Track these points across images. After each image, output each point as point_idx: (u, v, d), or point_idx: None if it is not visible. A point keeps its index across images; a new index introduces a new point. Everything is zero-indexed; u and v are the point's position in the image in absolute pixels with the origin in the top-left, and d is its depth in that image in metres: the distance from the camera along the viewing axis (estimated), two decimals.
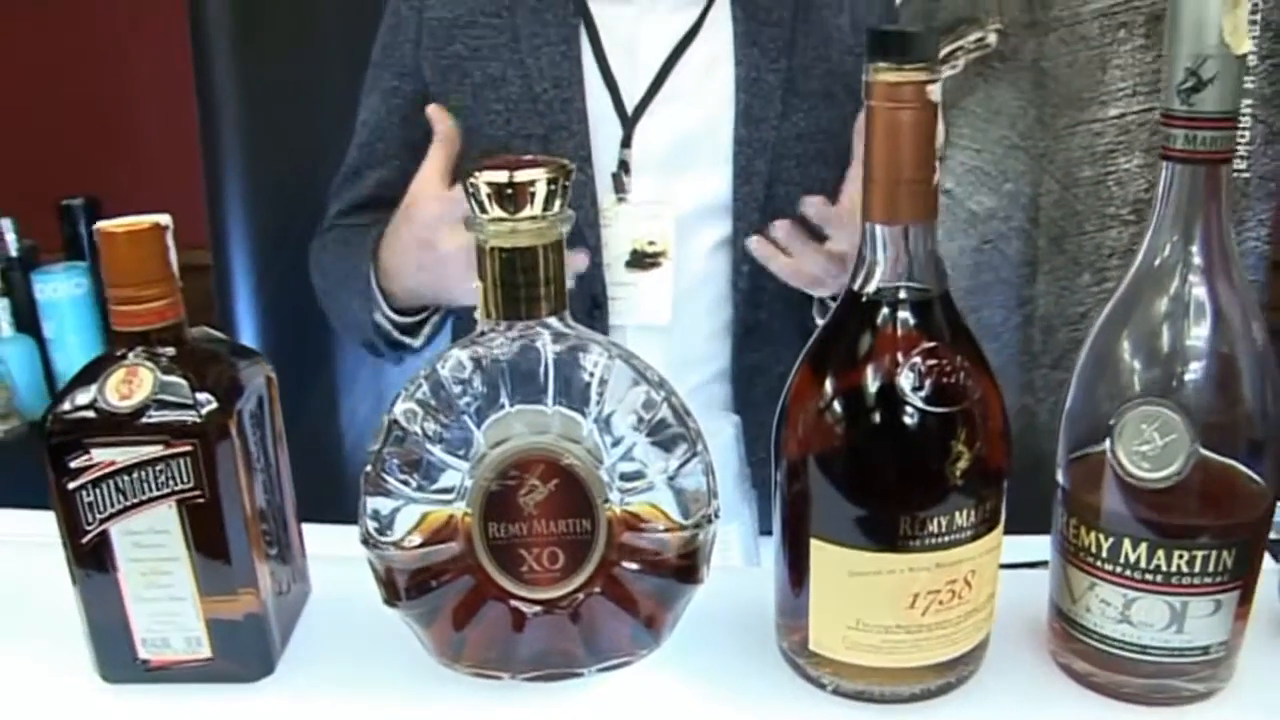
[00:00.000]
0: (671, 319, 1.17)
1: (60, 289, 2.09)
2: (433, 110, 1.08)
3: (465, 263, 1.02)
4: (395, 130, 1.28)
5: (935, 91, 0.56)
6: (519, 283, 0.59)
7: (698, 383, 1.21)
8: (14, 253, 2.14)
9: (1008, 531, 0.63)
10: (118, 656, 0.67)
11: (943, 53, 1.88)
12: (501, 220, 0.58)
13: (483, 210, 0.58)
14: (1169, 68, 0.57)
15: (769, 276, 1.11)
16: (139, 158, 2.43)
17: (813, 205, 1.03)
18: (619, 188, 1.17)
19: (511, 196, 0.57)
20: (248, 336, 2.13)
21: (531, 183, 0.57)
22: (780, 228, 1.04)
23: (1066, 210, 1.93)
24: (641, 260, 1.19)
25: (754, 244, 1.07)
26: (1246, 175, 1.91)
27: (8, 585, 0.77)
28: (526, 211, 0.57)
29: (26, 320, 2.12)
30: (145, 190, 2.41)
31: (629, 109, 1.17)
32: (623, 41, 1.18)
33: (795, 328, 1.16)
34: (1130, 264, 0.61)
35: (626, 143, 1.17)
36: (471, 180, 0.57)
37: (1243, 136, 1.91)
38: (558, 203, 0.58)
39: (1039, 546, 0.66)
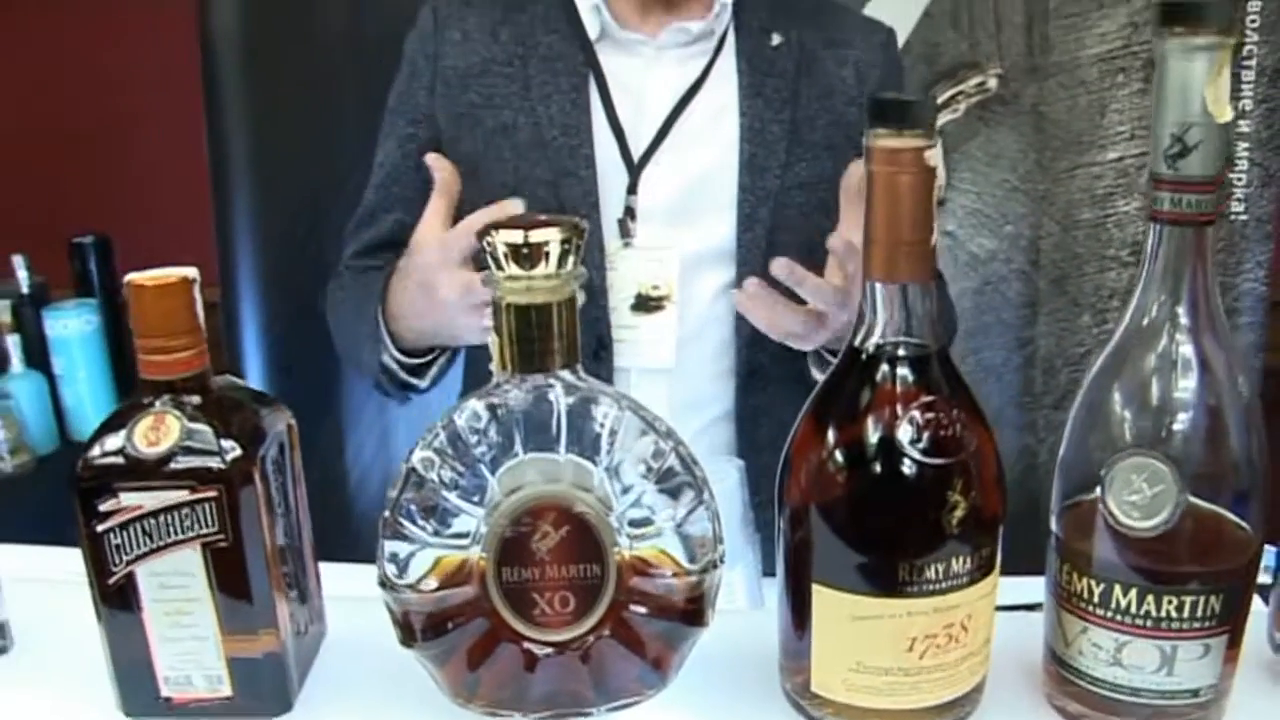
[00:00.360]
0: (675, 362, 1.20)
1: (71, 325, 2.12)
2: (431, 159, 1.11)
3: (464, 306, 1.05)
4: (410, 175, 1.31)
5: (933, 157, 0.58)
6: (533, 337, 0.62)
7: (701, 425, 1.24)
8: (25, 289, 2.17)
9: (1008, 572, 0.65)
10: (141, 693, 0.70)
11: (944, 97, 1.92)
12: (517, 278, 0.60)
13: (499, 268, 0.61)
14: (1155, 134, 0.60)
15: None
16: (149, 195, 2.47)
17: (782, 268, 1.03)
18: (624, 233, 1.20)
19: (527, 255, 0.60)
20: (255, 373, 2.15)
21: (546, 242, 0.60)
22: (751, 284, 1.06)
23: (1066, 252, 1.96)
24: (646, 304, 1.22)
25: (735, 298, 1.09)
26: (1244, 217, 1.94)
27: (32, 622, 0.79)
28: (541, 269, 0.60)
29: (37, 356, 2.15)
30: (155, 228, 2.46)
31: (635, 156, 1.21)
32: (630, 91, 1.22)
33: (798, 372, 1.18)
34: (1120, 319, 0.64)
35: (633, 189, 1.21)
36: (489, 239, 0.60)
37: (1239, 179, 1.94)
38: (571, 261, 0.61)
39: (1038, 587, 0.68)
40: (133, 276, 0.67)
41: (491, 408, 0.63)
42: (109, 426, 0.67)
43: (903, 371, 0.61)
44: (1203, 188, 0.60)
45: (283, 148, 2.08)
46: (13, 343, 2.11)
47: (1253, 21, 1.89)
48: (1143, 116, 1.92)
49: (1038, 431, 1.99)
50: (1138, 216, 1.95)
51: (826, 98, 1.23)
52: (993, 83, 1.93)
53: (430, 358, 1.24)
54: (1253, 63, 1.90)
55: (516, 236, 0.60)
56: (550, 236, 0.60)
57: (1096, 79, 1.92)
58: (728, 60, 1.23)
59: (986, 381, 2.03)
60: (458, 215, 1.29)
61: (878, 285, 0.61)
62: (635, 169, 1.21)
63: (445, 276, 1.06)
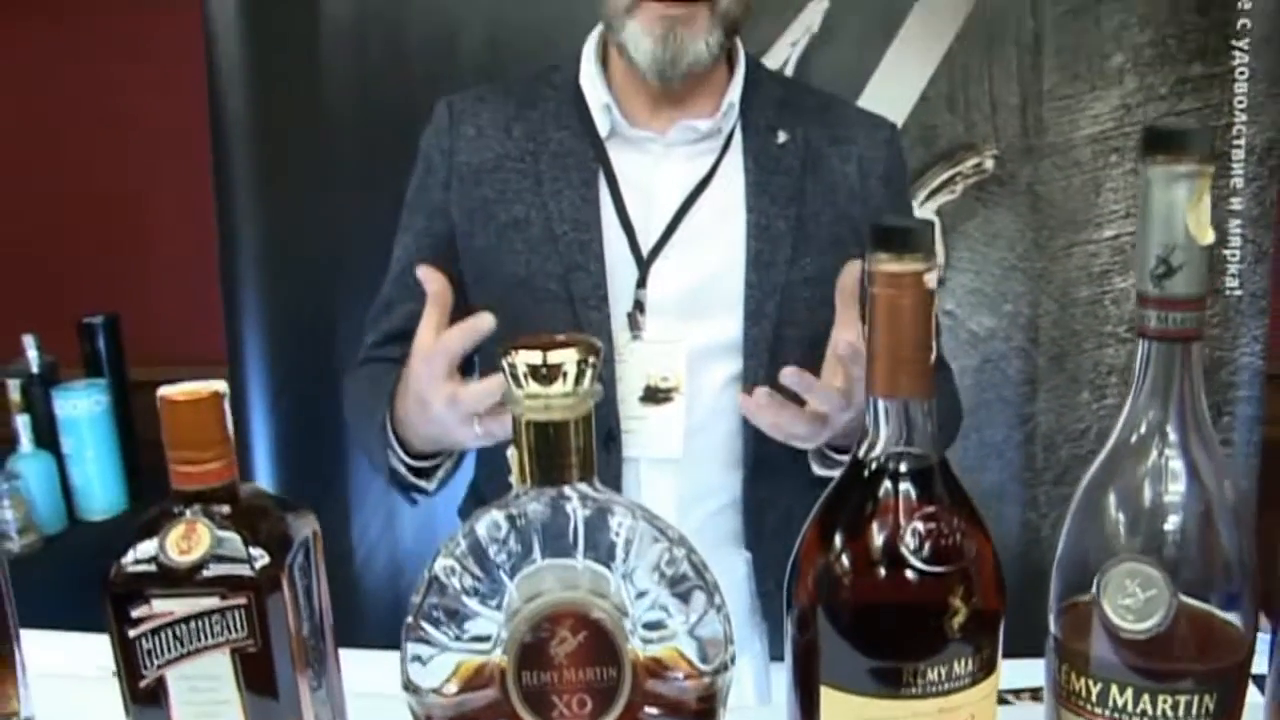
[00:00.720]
0: (683, 452, 1.23)
1: (80, 406, 2.16)
2: (423, 272, 1.13)
3: (455, 418, 1.08)
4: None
5: (932, 279, 0.62)
6: (551, 452, 0.65)
7: (709, 513, 1.27)
8: (35, 369, 2.21)
9: (1013, 653, 0.68)
10: None
11: (941, 179, 1.97)
12: (536, 396, 0.64)
13: (518, 385, 0.64)
14: (1140, 255, 0.64)
15: None
16: (159, 276, 2.52)
17: (791, 376, 1.07)
18: (634, 326, 1.24)
19: (545, 375, 0.63)
20: (262, 453, 2.19)
21: (563, 362, 0.63)
22: (760, 394, 1.09)
23: (1065, 329, 2.00)
24: (655, 395, 1.26)
25: (742, 403, 1.12)
26: (1238, 293, 1.98)
27: (60, 716, 0.82)
28: (559, 388, 0.63)
29: (46, 436, 2.17)
30: (165, 307, 2.51)
31: (644, 251, 1.25)
32: (640, 187, 1.27)
33: (805, 463, 1.22)
34: (1113, 428, 0.67)
35: (642, 283, 1.25)
36: (509, 359, 0.64)
37: (1233, 255, 1.98)
38: (587, 380, 0.64)
39: (1040, 670, 0.71)
40: (164, 390, 0.70)
41: (511, 518, 0.66)
42: (141, 533, 0.70)
43: (905, 484, 0.64)
44: (1188, 306, 0.63)
45: (291, 230, 2.13)
46: (22, 423, 2.14)
47: (1240, 103, 1.94)
48: (1136, 195, 1.95)
49: (1039, 507, 2.02)
50: (1134, 292, 1.98)
51: (831, 194, 1.28)
52: (989, 164, 1.98)
53: (436, 461, 1.26)
54: (1241, 142, 1.95)
55: (535, 357, 0.63)
56: (567, 357, 0.63)
57: (1090, 159, 1.97)
58: (735, 157, 1.27)
59: (988, 458, 2.06)
60: (468, 311, 1.33)
61: (880, 400, 0.64)
62: (644, 263, 1.25)
63: (433, 390, 1.09)
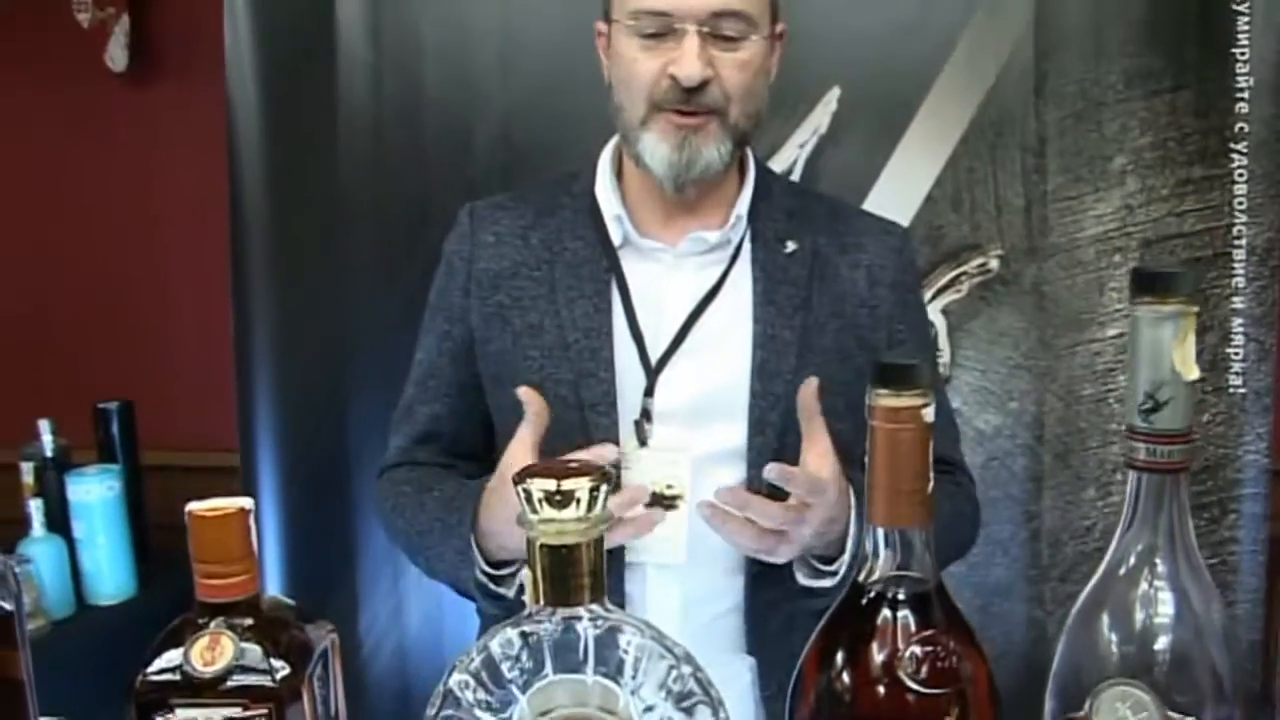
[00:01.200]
0: (688, 557, 1.25)
1: (93, 491, 2.19)
2: (524, 392, 1.20)
3: None
4: (446, 371, 1.40)
5: (929, 414, 0.65)
6: (564, 575, 0.68)
7: (712, 617, 1.29)
8: (49, 453, 2.24)
9: None
10: None
11: (947, 278, 2.02)
12: (550, 521, 0.67)
13: (534, 511, 0.67)
14: (1130, 391, 0.68)
15: None
16: (174, 363, 2.57)
17: (774, 470, 1.13)
18: (640, 434, 1.27)
19: (559, 500, 0.67)
20: (271, 542, 2.21)
21: (576, 489, 0.66)
22: (705, 505, 1.15)
23: (1070, 427, 2.03)
24: (660, 502, 1.29)
25: (701, 510, 1.17)
26: (1243, 390, 2.02)
27: None
28: (571, 513, 0.67)
29: (57, 520, 2.20)
30: (179, 394, 2.56)
31: (653, 360, 1.29)
32: (650, 297, 1.31)
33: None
34: (1106, 554, 0.70)
35: (649, 392, 1.28)
36: (524, 486, 0.67)
37: (1237, 354, 2.02)
38: (599, 505, 0.67)
39: None
40: (193, 506, 0.73)
41: (524, 635, 0.69)
42: (166, 643, 0.73)
43: (903, 608, 0.67)
44: (1175, 439, 0.67)
45: (305, 321, 2.19)
46: (35, 506, 2.17)
47: (1240, 204, 1.99)
48: None
49: (1045, 604, 2.04)
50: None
51: (839, 302, 1.32)
52: (994, 263, 2.02)
53: (513, 569, 1.28)
54: (1242, 242, 2.00)
55: (550, 484, 0.66)
56: (580, 485, 0.66)
57: (1094, 259, 2.02)
58: (743, 268, 1.31)
59: (995, 555, 2.08)
60: (480, 414, 1.37)
61: (878, 529, 0.67)
62: (653, 372, 1.29)
63: None
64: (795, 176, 2.00)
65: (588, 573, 0.68)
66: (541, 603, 0.69)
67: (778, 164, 2.01)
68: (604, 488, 0.67)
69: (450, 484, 1.33)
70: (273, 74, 2.13)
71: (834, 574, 1.20)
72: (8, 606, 0.82)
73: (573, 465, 0.68)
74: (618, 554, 1.28)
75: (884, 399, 0.66)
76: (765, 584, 1.28)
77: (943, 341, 2.03)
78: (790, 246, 1.33)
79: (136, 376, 2.35)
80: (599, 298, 1.31)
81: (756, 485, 1.23)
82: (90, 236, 2.59)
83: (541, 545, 0.68)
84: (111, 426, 2.27)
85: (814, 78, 2.03)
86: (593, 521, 0.67)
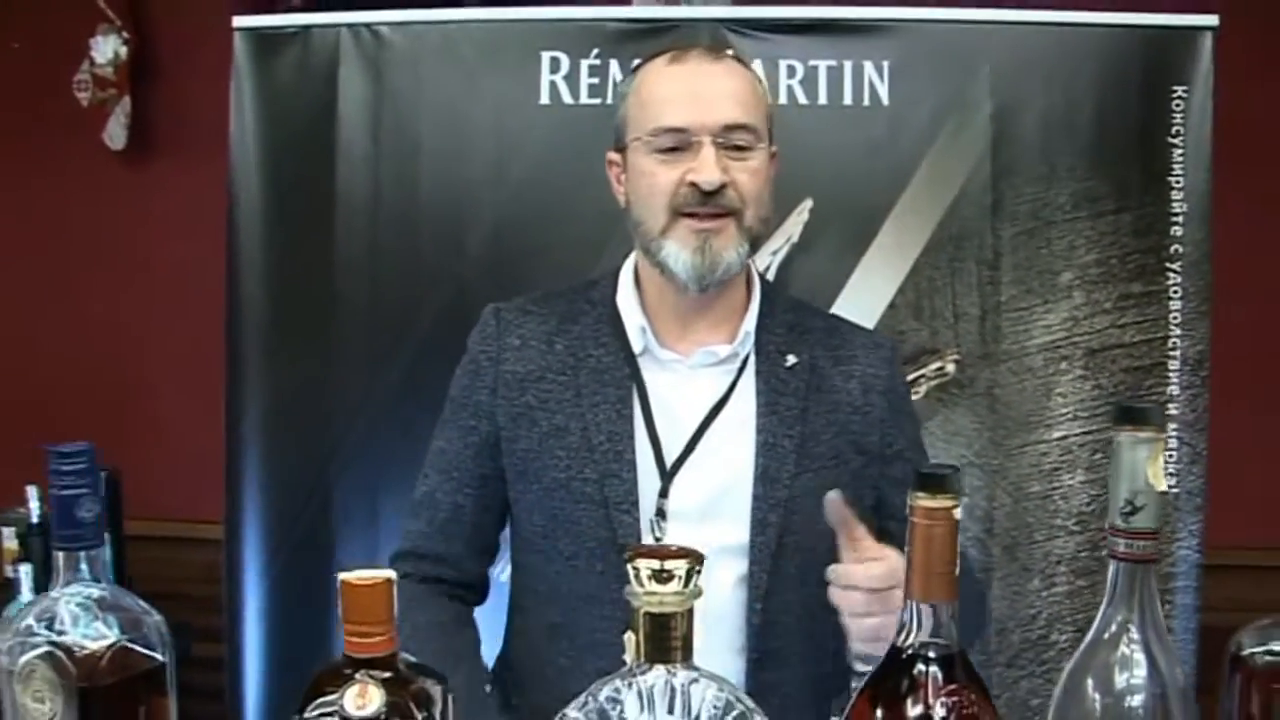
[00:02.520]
0: (704, 646, 1.42)
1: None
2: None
3: None
4: (470, 464, 1.55)
5: (958, 513, 0.86)
6: (662, 637, 0.86)
7: None
8: (35, 519, 2.35)
9: None
10: None
11: (906, 380, 2.24)
12: (653, 593, 0.86)
13: (640, 585, 0.86)
14: (1112, 497, 0.88)
15: (782, 611, 1.41)
16: (162, 435, 2.70)
17: (833, 503, 1.31)
18: (656, 531, 1.45)
19: (663, 577, 0.85)
20: (253, 611, 2.36)
21: (677, 569, 0.85)
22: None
23: (1018, 521, 2.26)
24: None
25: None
26: (1176, 491, 2.25)
27: None
28: (672, 588, 0.86)
29: (43, 585, 2.31)
30: (165, 465, 2.69)
31: (669, 463, 1.47)
32: (666, 404, 1.49)
33: (804, 654, 1.42)
34: (1090, 629, 0.90)
35: (664, 493, 1.46)
36: (634, 564, 0.86)
37: (1170, 457, 2.26)
38: (693, 582, 0.86)
39: None
40: (345, 575, 0.91)
41: (629, 685, 0.88)
42: (319, 689, 0.90)
43: (934, 667, 0.87)
44: (1148, 536, 0.88)
45: (295, 402, 2.35)
46: (24, 571, 2.28)
47: (1175, 318, 2.25)
48: (1083, 400, 2.25)
49: (993, 688, 2.24)
50: (1082, 489, 2.25)
51: (834, 411, 1.51)
52: (951, 367, 2.26)
53: None
54: (1177, 354, 2.25)
55: (655, 564, 0.85)
56: (680, 565, 0.85)
57: (1042, 365, 2.26)
58: (749, 379, 1.50)
59: None
60: (499, 506, 1.56)
61: (915, 603, 0.87)
62: (668, 475, 1.47)
63: None
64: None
65: (680, 636, 0.87)
66: (641, 659, 0.88)
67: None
68: (698, 568, 0.86)
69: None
70: (275, 162, 2.31)
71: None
72: (160, 657, 0.98)
73: (673, 549, 0.87)
74: None
75: (922, 500, 0.86)
76: (767, 669, 1.46)
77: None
78: (790, 360, 1.51)
79: (124, 447, 2.48)
80: (621, 404, 1.48)
81: (757, 580, 1.42)
82: (83, 308, 2.72)
83: (645, 613, 0.86)
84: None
85: (788, 189, 2.24)
86: (687, 595, 0.86)
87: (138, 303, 2.70)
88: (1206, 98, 2.22)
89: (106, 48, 2.50)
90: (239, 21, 2.26)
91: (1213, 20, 2.20)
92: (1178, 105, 2.22)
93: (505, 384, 1.53)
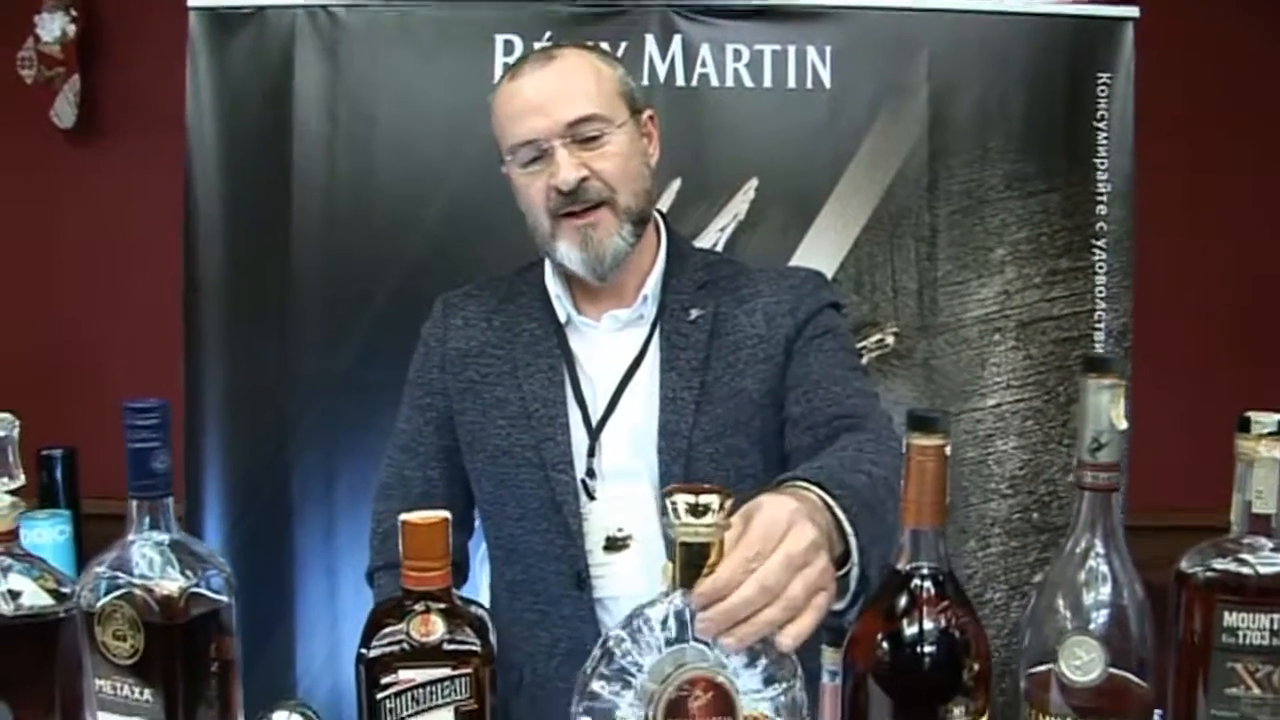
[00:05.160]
0: (646, 587, 1.54)
1: (45, 534, 2.36)
2: None
3: None
4: (432, 438, 1.72)
5: (948, 450, 1.02)
6: (696, 564, 1.02)
7: None
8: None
9: None
10: None
11: None
12: (689, 525, 1.01)
13: (676, 516, 1.01)
14: (1080, 436, 1.05)
15: None
16: (119, 414, 2.76)
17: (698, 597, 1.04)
18: (588, 489, 1.61)
19: (697, 510, 1.01)
20: None
21: (710, 502, 1.01)
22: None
23: (954, 486, 2.44)
24: (614, 544, 1.63)
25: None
26: None
27: None
28: (706, 520, 1.01)
29: None
30: (122, 444, 2.73)
31: (594, 424, 1.63)
32: (589, 369, 1.65)
33: None
34: (1059, 551, 1.07)
35: (592, 452, 1.62)
36: (671, 499, 1.01)
37: None
38: (723, 514, 1.01)
39: None
40: (406, 516, 1.04)
41: (665, 606, 1.03)
42: (382, 622, 1.04)
43: (927, 584, 1.03)
44: (1111, 469, 1.05)
45: (251, 384, 2.46)
46: None
47: (1100, 292, 2.45)
48: (1015, 369, 2.44)
49: None
50: (1014, 454, 2.45)
51: (735, 351, 1.62)
52: (890, 339, 2.44)
53: None
54: (1102, 325, 2.45)
55: (691, 499, 1.01)
56: (712, 499, 1.01)
57: (977, 337, 2.45)
58: (657, 339, 1.64)
59: None
60: (464, 479, 1.71)
61: (909, 529, 1.03)
62: (594, 434, 1.63)
63: None
64: None
65: (713, 564, 1.02)
66: (676, 585, 1.03)
67: (699, 245, 2.38)
68: (729, 502, 1.02)
69: None
70: (231, 141, 2.42)
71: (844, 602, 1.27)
72: (226, 599, 1.11)
73: (706, 486, 1.02)
74: (585, 590, 1.61)
75: (916, 439, 1.02)
76: None
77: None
78: (694, 314, 1.64)
79: (80, 426, 2.56)
80: (552, 372, 1.64)
81: None
82: (34, 288, 2.78)
83: (681, 543, 1.02)
84: (55, 472, 2.45)
85: (734, 170, 2.44)
86: (719, 527, 1.02)
87: (89, 282, 2.76)
88: (1128, 84, 2.42)
89: (53, 25, 2.56)
90: (194, 1, 2.36)
91: (1134, 11, 2.41)
92: (1102, 91, 2.43)
93: (451, 361, 1.69)
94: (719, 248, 2.40)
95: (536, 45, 2.36)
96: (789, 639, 1.03)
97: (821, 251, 2.43)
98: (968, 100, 2.43)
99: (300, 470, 2.45)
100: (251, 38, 2.39)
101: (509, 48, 2.37)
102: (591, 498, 1.62)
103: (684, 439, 1.60)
